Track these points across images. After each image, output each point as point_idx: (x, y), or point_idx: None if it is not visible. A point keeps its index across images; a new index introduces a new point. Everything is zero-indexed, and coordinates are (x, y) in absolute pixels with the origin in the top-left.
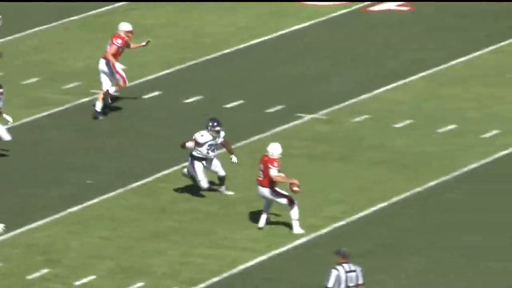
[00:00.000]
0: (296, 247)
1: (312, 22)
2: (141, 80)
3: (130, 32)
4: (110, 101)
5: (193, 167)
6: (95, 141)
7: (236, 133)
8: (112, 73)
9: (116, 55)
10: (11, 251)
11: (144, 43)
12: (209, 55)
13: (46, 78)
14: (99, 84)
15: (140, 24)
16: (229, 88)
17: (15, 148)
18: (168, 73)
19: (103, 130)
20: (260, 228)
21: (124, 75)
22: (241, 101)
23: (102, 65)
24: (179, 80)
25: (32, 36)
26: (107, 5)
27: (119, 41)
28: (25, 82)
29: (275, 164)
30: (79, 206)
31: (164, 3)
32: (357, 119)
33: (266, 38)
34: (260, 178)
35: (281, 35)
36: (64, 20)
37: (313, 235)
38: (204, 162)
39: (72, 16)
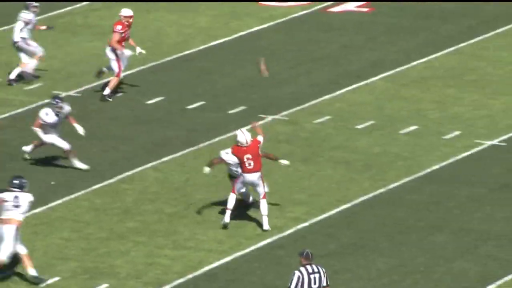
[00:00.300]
0: (260, 248)
1: (272, 23)
2: (104, 81)
3: (130, 17)
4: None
5: None
6: None
7: (198, 134)
8: (117, 59)
9: (120, 41)
10: None
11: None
12: (170, 56)
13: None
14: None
15: (101, 25)
16: (191, 89)
17: None
18: (130, 74)
19: (66, 131)
20: (225, 225)
21: (122, 67)
22: (202, 102)
23: (108, 52)
24: (141, 81)
25: None
26: (68, 6)
27: (119, 27)
28: None
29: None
30: (43, 207)
31: (125, 3)
32: (319, 120)
33: (226, 39)
34: (250, 167)
35: (242, 36)
36: None
37: (276, 236)
38: None
39: None
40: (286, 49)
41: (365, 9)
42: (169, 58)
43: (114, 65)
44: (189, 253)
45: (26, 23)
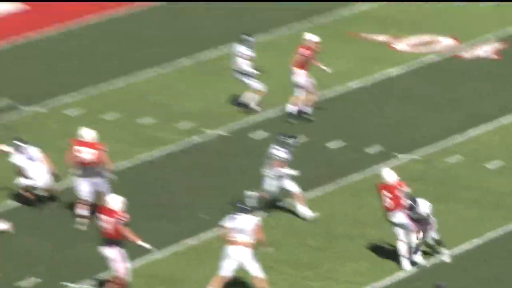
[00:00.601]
0: (398, 282)
1: (407, 67)
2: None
3: (317, 43)
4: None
5: None
6: (205, 179)
7: (338, 171)
8: (303, 83)
9: (305, 65)
10: (133, 281)
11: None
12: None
13: (161, 119)
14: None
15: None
16: (330, 129)
17: (132, 185)
18: (272, 113)
19: (211, 168)
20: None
21: (311, 86)
22: (341, 141)
23: (295, 76)
24: (283, 120)
25: (151, 79)
26: (220, 51)
27: (306, 51)
28: (141, 122)
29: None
30: (195, 240)
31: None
32: (451, 159)
33: (363, 83)
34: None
35: (377, 79)
36: (177, 65)
37: (414, 269)
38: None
39: (185, 62)
40: (420, 92)
41: (495, 57)
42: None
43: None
44: (331, 284)
45: (243, 57)
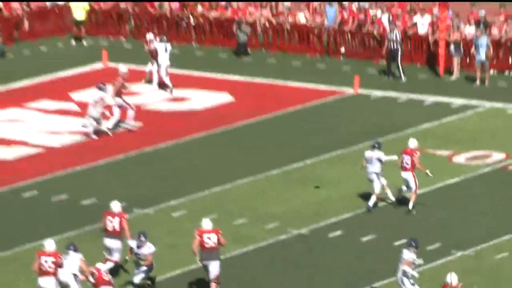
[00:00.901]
0: None
1: (464, 177)
2: None
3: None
4: None
5: None
6: (288, 274)
7: None
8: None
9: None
10: None
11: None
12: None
13: (252, 219)
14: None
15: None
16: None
17: (228, 281)
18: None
19: (294, 263)
20: None
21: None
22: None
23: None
24: None
25: (244, 186)
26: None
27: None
28: (236, 222)
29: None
30: None
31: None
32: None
33: (428, 188)
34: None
35: (438, 186)
36: (266, 173)
37: None
38: None
39: (274, 169)
40: (472, 198)
41: None
42: None
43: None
44: None
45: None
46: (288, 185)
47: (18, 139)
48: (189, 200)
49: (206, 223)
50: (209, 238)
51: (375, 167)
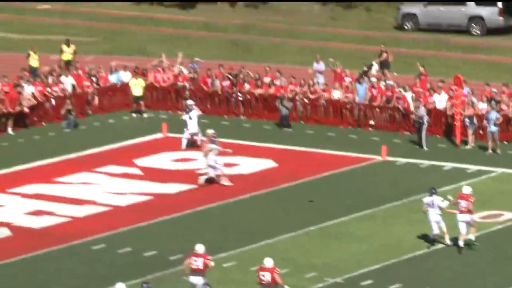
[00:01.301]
0: None
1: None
2: None
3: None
4: None
5: None
6: None
7: None
8: None
9: None
10: None
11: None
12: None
13: (293, 269)
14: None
15: None
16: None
17: None
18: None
19: None
20: None
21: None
22: None
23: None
24: None
25: (286, 240)
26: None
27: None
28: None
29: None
30: None
31: None
32: None
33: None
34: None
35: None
36: (305, 229)
37: None
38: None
39: (312, 226)
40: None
41: None
42: None
43: None
44: None
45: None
46: (325, 240)
47: (88, 199)
48: (238, 252)
49: (266, 262)
50: (263, 275)
51: (437, 209)
